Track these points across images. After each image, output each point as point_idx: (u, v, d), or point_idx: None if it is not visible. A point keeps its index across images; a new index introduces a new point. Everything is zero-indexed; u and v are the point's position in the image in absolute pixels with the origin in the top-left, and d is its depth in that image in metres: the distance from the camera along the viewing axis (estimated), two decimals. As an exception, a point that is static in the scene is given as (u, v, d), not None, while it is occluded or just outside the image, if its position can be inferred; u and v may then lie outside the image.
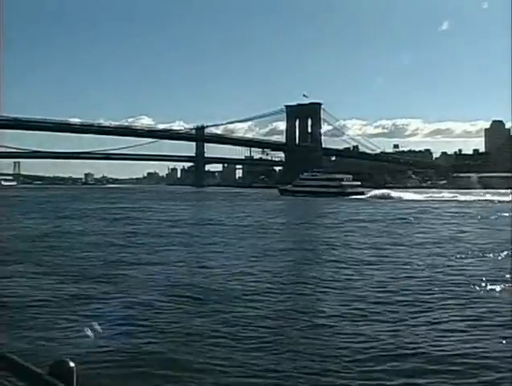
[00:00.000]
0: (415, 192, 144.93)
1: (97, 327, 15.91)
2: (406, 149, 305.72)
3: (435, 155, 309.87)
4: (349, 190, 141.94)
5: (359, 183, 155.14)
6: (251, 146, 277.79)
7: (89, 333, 15.23)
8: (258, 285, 22.86)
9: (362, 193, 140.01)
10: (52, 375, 3.15)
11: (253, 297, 20.37)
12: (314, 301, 20.40)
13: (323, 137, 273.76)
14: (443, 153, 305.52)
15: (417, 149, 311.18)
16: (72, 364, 3.28)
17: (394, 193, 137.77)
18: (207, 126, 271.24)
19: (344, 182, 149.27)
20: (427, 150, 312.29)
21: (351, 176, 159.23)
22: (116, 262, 29.10)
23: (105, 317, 17.20)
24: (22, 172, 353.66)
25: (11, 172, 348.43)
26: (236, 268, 27.31)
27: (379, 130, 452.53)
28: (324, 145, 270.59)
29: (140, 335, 15.31)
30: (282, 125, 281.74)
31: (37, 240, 39.15)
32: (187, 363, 13.33)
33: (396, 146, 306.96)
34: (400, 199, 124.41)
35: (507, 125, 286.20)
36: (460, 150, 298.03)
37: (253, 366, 13.15)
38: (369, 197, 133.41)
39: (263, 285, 22.66)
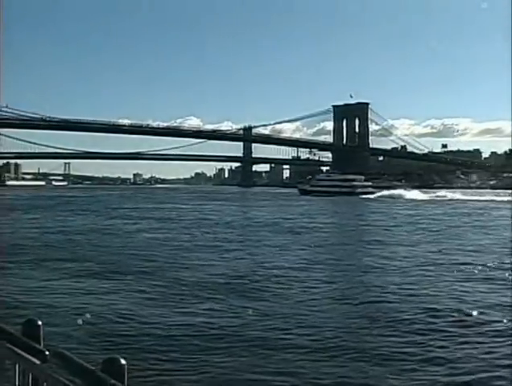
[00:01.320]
0: (424, 192, 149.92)
1: (145, 324, 16.40)
2: (454, 148, 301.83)
3: (485, 155, 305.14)
4: (359, 190, 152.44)
5: (370, 184, 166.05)
6: (298, 146, 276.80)
7: (137, 330, 15.71)
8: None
9: (372, 193, 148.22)
10: (104, 372, 3.26)
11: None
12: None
13: (370, 137, 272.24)
14: (493, 153, 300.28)
15: (466, 148, 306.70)
16: (123, 361, 3.41)
17: (404, 193, 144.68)
18: (254, 127, 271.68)
19: (355, 183, 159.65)
20: (476, 150, 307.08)
21: (363, 177, 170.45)
22: (171, 262, 29.49)
23: (155, 313, 17.67)
24: (72, 172, 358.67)
25: (62, 172, 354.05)
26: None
27: (428, 130, 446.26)
28: (371, 145, 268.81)
29: (190, 334, 15.60)
30: (329, 126, 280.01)
31: (91, 240, 40.00)
32: (239, 362, 13.48)
33: (444, 146, 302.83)
34: (410, 199, 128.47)
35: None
36: (510, 150, 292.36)
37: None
38: (378, 197, 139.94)
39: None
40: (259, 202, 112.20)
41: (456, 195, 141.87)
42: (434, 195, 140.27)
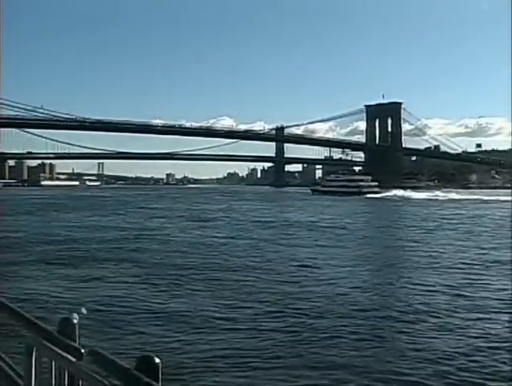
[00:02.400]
0: (423, 192, 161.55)
1: (181, 325, 16.46)
2: (489, 148, 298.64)
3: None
4: (365, 189, 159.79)
5: (376, 184, 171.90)
6: (331, 146, 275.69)
7: (173, 330, 15.79)
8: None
9: (378, 192, 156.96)
10: (138, 370, 3.30)
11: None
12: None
13: (403, 137, 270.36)
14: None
15: (500, 148, 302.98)
16: (157, 360, 3.43)
17: (405, 193, 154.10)
18: (287, 126, 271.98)
19: (361, 183, 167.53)
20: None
21: (370, 177, 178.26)
22: (211, 263, 29.30)
23: (192, 314, 17.71)
24: (106, 172, 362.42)
25: (95, 172, 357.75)
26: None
27: (462, 129, 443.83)
28: (404, 145, 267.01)
29: (226, 334, 15.61)
30: (362, 125, 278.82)
31: (127, 240, 40.30)
32: (276, 362, 13.37)
33: (479, 145, 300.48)
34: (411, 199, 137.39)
35: None
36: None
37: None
38: (383, 196, 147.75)
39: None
40: (286, 201, 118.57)
41: (455, 194, 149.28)
42: (432, 194, 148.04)
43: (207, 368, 12.83)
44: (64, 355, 3.87)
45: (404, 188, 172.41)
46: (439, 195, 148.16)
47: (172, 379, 11.05)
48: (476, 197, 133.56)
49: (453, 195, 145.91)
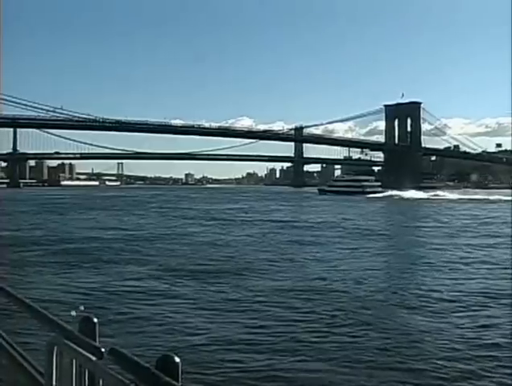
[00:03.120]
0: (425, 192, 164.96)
1: (203, 324, 16.50)
2: (509, 148, 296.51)
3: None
4: (368, 189, 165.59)
5: (379, 184, 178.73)
6: (349, 146, 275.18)
7: (194, 331, 15.84)
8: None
9: (381, 192, 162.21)
10: (158, 370, 3.32)
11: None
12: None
13: (423, 137, 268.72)
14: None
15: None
16: (177, 359, 3.45)
17: (404, 193, 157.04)
18: (306, 126, 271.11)
19: (364, 183, 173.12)
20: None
21: (373, 178, 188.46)
22: (233, 264, 28.95)
23: (214, 317, 17.70)
24: (125, 172, 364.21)
25: (115, 172, 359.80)
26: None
27: (482, 129, 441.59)
28: (424, 145, 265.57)
29: (247, 336, 15.47)
30: (381, 125, 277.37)
31: (150, 241, 40.09)
32: (293, 364, 13.19)
33: (499, 145, 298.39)
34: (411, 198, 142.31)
35: None
36: None
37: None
38: (384, 196, 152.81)
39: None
40: (298, 201, 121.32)
41: (454, 194, 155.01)
42: (431, 194, 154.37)
43: (228, 368, 12.85)
44: (85, 353, 3.92)
45: (423, 188, 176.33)
46: (441, 194, 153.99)
47: (193, 378, 11.13)
48: (477, 197, 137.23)
49: (452, 195, 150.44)
